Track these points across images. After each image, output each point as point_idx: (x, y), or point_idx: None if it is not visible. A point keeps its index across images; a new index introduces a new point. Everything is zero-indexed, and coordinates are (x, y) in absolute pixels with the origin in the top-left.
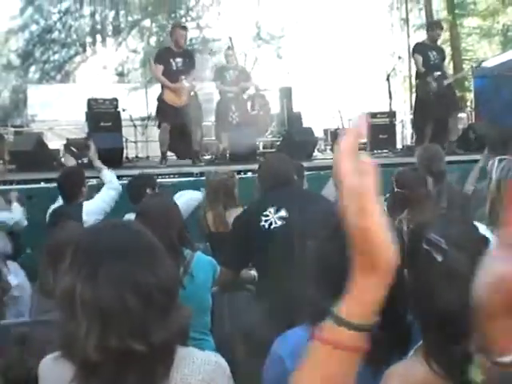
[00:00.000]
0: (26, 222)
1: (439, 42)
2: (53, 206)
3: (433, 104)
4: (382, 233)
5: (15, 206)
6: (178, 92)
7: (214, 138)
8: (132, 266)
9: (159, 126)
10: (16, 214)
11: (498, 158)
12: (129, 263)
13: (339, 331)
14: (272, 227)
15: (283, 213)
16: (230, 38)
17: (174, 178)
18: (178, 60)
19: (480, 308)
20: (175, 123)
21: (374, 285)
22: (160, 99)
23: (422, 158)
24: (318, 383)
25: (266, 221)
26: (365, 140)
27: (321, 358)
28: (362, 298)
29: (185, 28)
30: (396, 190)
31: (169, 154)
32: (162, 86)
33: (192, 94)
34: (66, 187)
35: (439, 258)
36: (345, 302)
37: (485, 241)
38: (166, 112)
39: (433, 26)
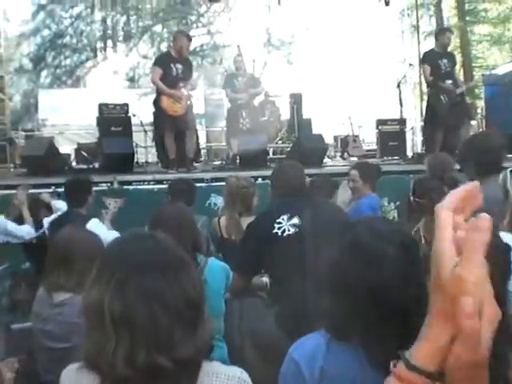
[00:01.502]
0: None
1: (449, 49)
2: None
3: (445, 112)
4: (480, 287)
5: (57, 202)
6: (175, 99)
7: (223, 144)
8: (160, 279)
9: (155, 133)
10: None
11: (510, 169)
12: (157, 277)
13: (411, 374)
14: (285, 234)
15: (296, 220)
16: (238, 46)
17: None
18: (179, 66)
19: (448, 380)
20: (173, 131)
21: (451, 332)
22: (157, 106)
23: (432, 166)
24: None
25: (279, 228)
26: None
27: None
28: (437, 344)
29: (190, 38)
30: (415, 199)
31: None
32: (159, 92)
33: (188, 102)
34: (74, 194)
35: None
36: (419, 346)
37: (507, 249)
38: (164, 122)
39: (443, 31)
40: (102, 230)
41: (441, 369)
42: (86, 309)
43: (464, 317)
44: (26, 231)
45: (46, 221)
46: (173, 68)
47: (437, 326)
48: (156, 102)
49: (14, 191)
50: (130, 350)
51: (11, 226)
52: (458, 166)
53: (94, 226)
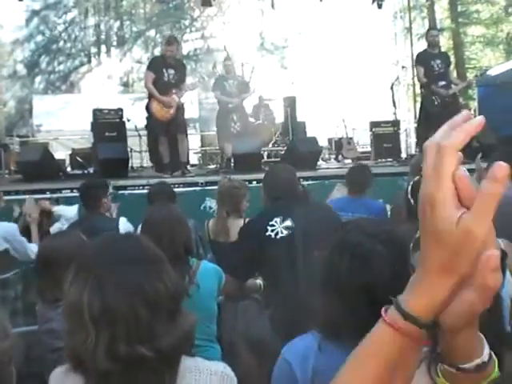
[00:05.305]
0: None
1: (443, 50)
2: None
3: (438, 113)
4: (490, 242)
5: (58, 208)
6: (165, 105)
7: (218, 148)
8: (138, 273)
9: (148, 138)
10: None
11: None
12: (134, 271)
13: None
14: (278, 237)
15: (289, 222)
16: (225, 47)
17: (179, 187)
18: (171, 72)
19: (446, 326)
20: (165, 136)
21: (451, 286)
22: (149, 111)
23: (416, 167)
24: (379, 366)
25: (272, 230)
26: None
27: (385, 340)
28: (435, 299)
29: (170, 43)
30: (412, 200)
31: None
32: (150, 96)
33: (180, 105)
34: (89, 198)
35: None
36: (414, 296)
37: (504, 256)
38: (156, 127)
39: (427, 31)
40: (130, 228)
41: (435, 321)
42: (66, 309)
43: (489, 270)
44: (35, 251)
45: (54, 228)
46: (165, 73)
47: (435, 280)
48: (148, 107)
49: (10, 197)
50: (110, 342)
51: (24, 239)
52: None
53: (124, 223)
